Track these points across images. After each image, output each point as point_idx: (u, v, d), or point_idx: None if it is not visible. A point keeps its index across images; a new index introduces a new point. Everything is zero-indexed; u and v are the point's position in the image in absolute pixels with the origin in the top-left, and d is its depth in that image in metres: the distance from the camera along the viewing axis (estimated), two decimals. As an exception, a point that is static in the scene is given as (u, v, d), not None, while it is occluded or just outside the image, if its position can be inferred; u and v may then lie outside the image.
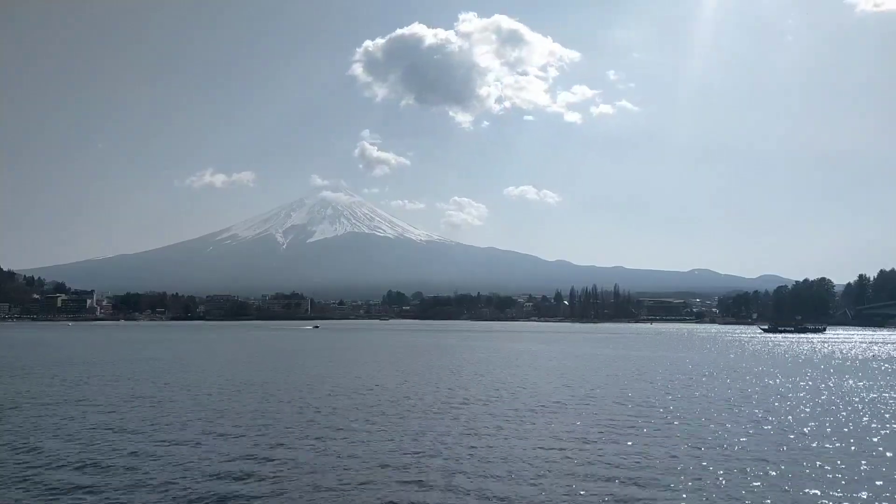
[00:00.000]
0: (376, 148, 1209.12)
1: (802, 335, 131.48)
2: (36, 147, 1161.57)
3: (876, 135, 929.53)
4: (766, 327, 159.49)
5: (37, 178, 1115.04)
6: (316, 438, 19.29)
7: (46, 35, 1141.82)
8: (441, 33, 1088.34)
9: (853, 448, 18.52)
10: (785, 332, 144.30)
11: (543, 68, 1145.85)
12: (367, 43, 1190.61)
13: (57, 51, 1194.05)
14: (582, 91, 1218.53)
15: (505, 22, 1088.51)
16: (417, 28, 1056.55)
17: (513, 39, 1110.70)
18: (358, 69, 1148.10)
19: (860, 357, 61.70)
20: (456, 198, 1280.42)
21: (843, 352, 71.14)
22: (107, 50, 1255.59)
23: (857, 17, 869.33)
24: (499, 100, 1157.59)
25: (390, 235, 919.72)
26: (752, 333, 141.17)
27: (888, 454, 17.82)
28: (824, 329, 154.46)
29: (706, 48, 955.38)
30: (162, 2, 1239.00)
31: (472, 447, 18.23)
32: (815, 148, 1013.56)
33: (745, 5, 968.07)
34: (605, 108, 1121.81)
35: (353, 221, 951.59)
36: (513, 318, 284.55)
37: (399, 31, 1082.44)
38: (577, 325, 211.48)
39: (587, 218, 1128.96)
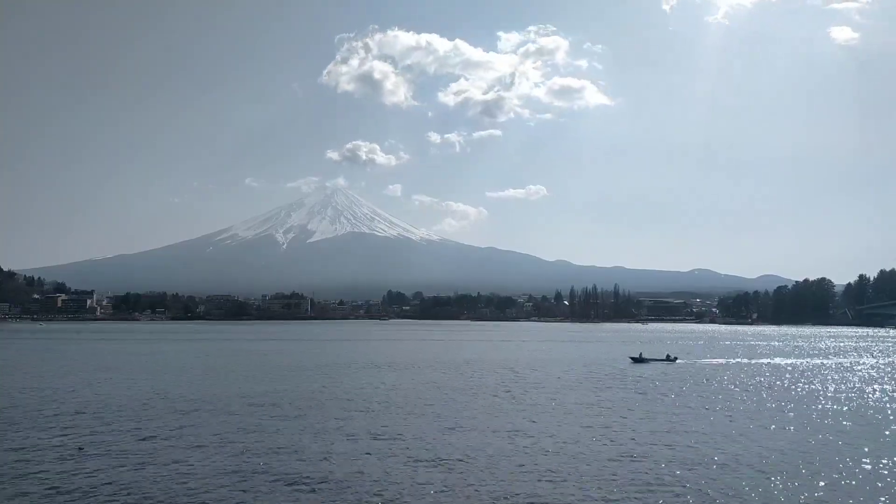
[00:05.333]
0: (370, 150, 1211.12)
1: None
2: (36, 147, 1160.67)
3: (876, 135, 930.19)
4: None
5: (37, 178, 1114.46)
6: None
7: (46, 36, 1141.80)
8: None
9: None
10: None
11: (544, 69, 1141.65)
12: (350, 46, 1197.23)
13: (57, 51, 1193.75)
14: (580, 91, 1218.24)
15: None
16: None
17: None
18: (339, 73, 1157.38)
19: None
20: (451, 202, 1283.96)
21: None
22: (107, 51, 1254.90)
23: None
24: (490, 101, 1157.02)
25: (390, 235, 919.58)
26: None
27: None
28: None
29: (707, 50, 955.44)
30: (164, 7, 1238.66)
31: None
32: (816, 148, 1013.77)
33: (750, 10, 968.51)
34: (604, 108, 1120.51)
35: (353, 221, 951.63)
36: (513, 319, 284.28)
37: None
38: (577, 326, 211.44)
39: (587, 218, 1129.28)
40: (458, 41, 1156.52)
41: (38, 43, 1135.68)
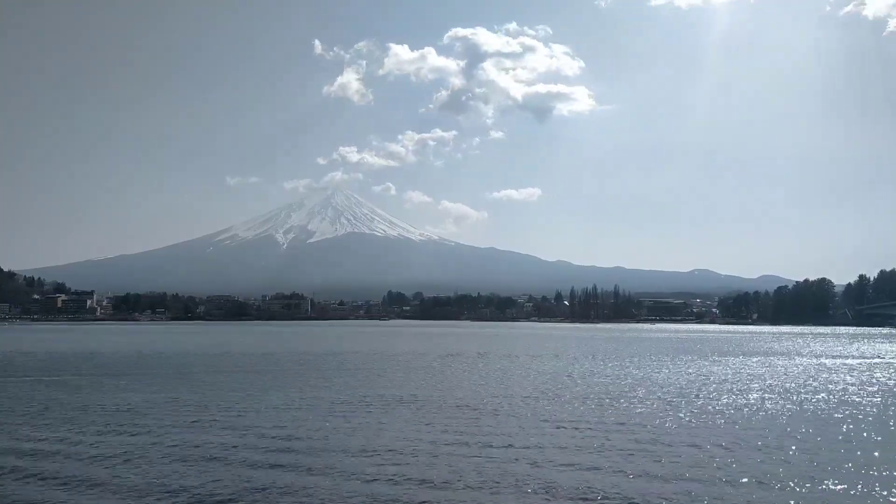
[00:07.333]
0: (364, 152, 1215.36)
1: None
2: (36, 147, 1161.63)
3: (875, 135, 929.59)
4: None
5: (37, 178, 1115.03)
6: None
7: (46, 36, 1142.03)
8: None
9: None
10: None
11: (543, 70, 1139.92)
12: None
13: (57, 51, 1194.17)
14: (581, 91, 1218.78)
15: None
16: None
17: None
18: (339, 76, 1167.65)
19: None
20: (448, 202, 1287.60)
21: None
22: (107, 52, 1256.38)
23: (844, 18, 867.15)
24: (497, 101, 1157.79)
25: (390, 235, 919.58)
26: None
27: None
28: None
29: (706, 49, 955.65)
30: (165, 9, 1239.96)
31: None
32: (816, 148, 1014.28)
33: (755, 15, 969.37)
34: (598, 110, 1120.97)
35: (353, 221, 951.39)
36: (513, 319, 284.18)
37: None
38: (583, 326, 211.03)
39: (587, 218, 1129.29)
40: (429, 49, 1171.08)
41: (38, 43, 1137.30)
